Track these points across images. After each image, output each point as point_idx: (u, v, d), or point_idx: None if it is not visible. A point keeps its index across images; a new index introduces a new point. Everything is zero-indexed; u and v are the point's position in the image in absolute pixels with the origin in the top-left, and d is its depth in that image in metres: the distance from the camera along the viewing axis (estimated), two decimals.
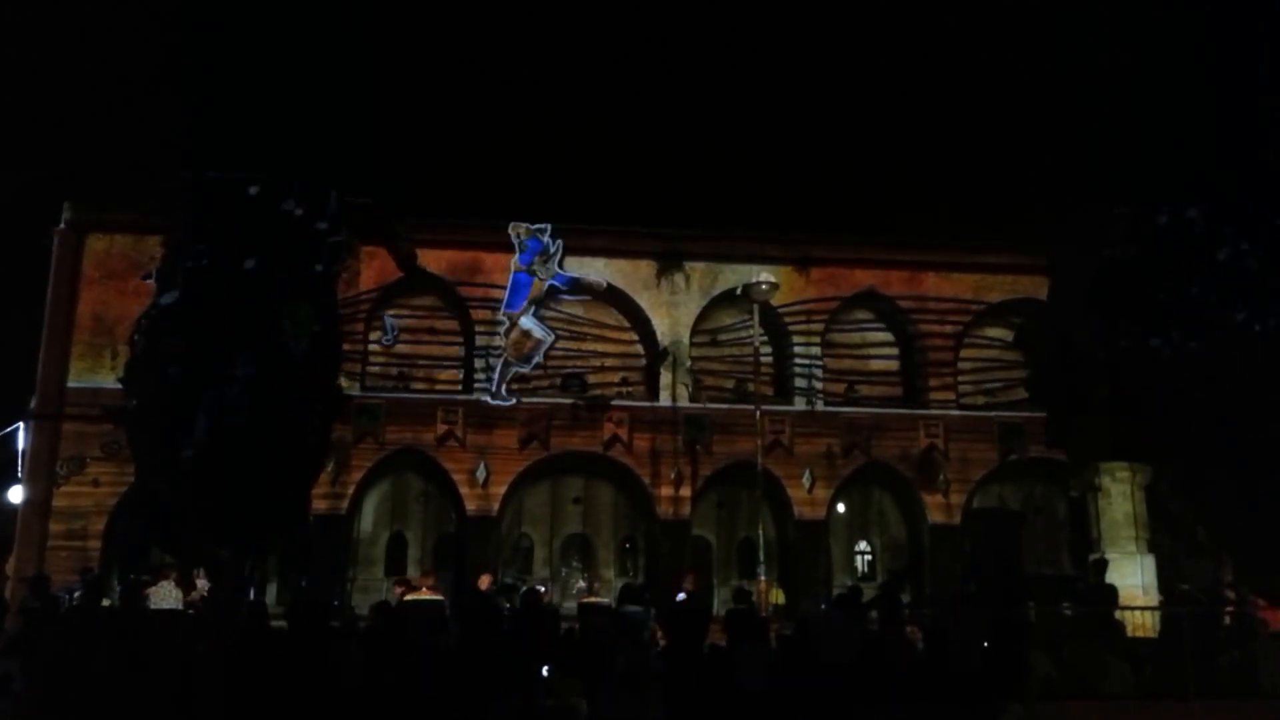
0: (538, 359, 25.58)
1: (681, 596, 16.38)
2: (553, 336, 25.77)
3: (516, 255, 25.65)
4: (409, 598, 17.55)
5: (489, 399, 25.10)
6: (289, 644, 11.07)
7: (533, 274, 25.63)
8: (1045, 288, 20.34)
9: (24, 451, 23.73)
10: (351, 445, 23.96)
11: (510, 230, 25.71)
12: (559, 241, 25.77)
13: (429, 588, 18.92)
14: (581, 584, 24.38)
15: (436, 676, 9.80)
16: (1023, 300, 26.05)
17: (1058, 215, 19.08)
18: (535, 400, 25.50)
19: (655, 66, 51.12)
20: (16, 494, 23.96)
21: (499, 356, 25.38)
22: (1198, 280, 16.75)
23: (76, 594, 13.59)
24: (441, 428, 24.79)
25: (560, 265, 25.78)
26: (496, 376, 25.22)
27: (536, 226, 25.75)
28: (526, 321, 25.50)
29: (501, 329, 25.41)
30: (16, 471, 24.02)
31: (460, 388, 25.79)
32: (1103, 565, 16.04)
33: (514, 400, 25.13)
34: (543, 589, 19.16)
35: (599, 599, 18.14)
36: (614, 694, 8.07)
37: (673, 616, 11.91)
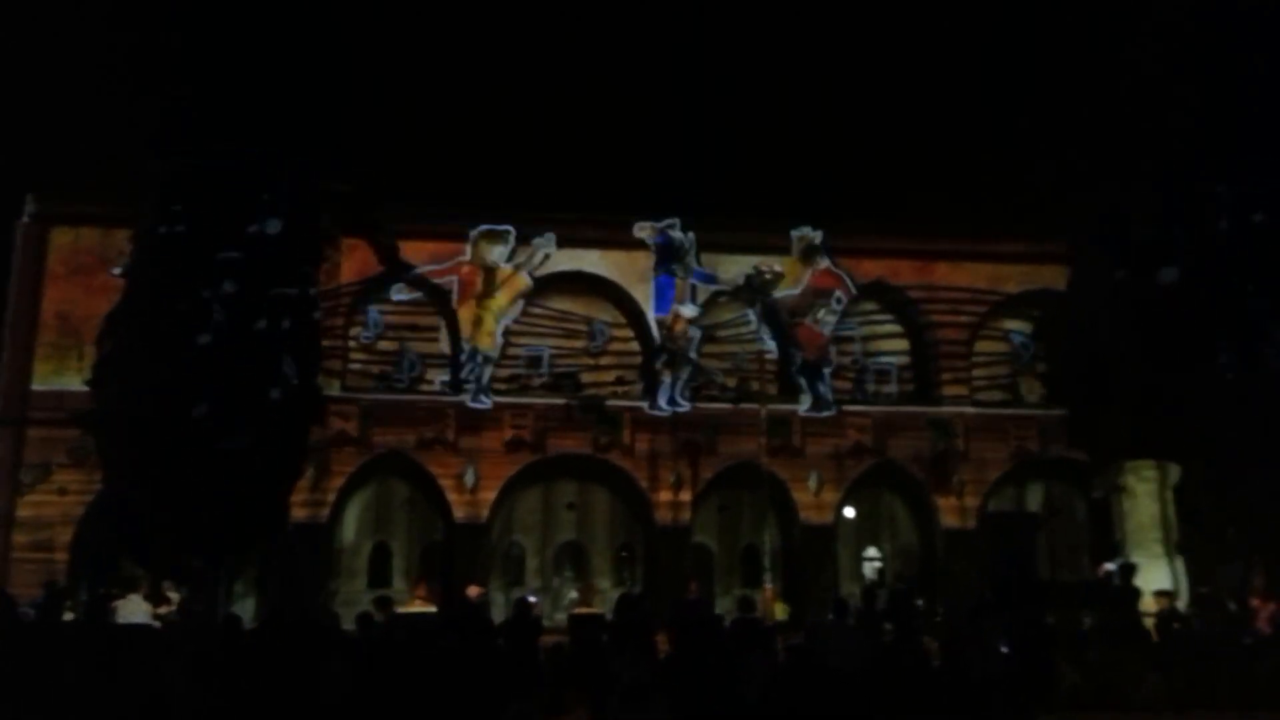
0: (695, 340, 25.66)
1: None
2: (700, 310, 25.80)
3: (651, 260, 25.78)
4: (402, 610, 17.40)
5: (663, 406, 25.10)
6: (267, 660, 10.96)
7: (673, 274, 25.72)
8: (1065, 277, 20.15)
9: None
10: (331, 449, 23.76)
11: (635, 230, 25.84)
12: (690, 235, 25.86)
13: (421, 599, 18.78)
14: (574, 594, 24.19)
15: (428, 690, 9.71)
16: (1042, 291, 25.34)
17: (1076, 199, 18.91)
18: (526, 400, 25.40)
19: (653, 49, 51.05)
20: None
21: (661, 361, 25.32)
22: (1229, 265, 16.58)
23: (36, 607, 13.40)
24: (428, 431, 24.63)
25: (697, 260, 25.86)
26: (668, 381, 25.23)
27: (664, 223, 25.87)
28: (685, 309, 25.68)
29: (660, 335, 25.52)
30: None
31: (449, 388, 25.60)
32: (1129, 569, 15.97)
33: (689, 407, 25.19)
34: (534, 599, 19.06)
35: (592, 609, 18.01)
36: (620, 706, 7.96)
37: (680, 626, 11.82)
